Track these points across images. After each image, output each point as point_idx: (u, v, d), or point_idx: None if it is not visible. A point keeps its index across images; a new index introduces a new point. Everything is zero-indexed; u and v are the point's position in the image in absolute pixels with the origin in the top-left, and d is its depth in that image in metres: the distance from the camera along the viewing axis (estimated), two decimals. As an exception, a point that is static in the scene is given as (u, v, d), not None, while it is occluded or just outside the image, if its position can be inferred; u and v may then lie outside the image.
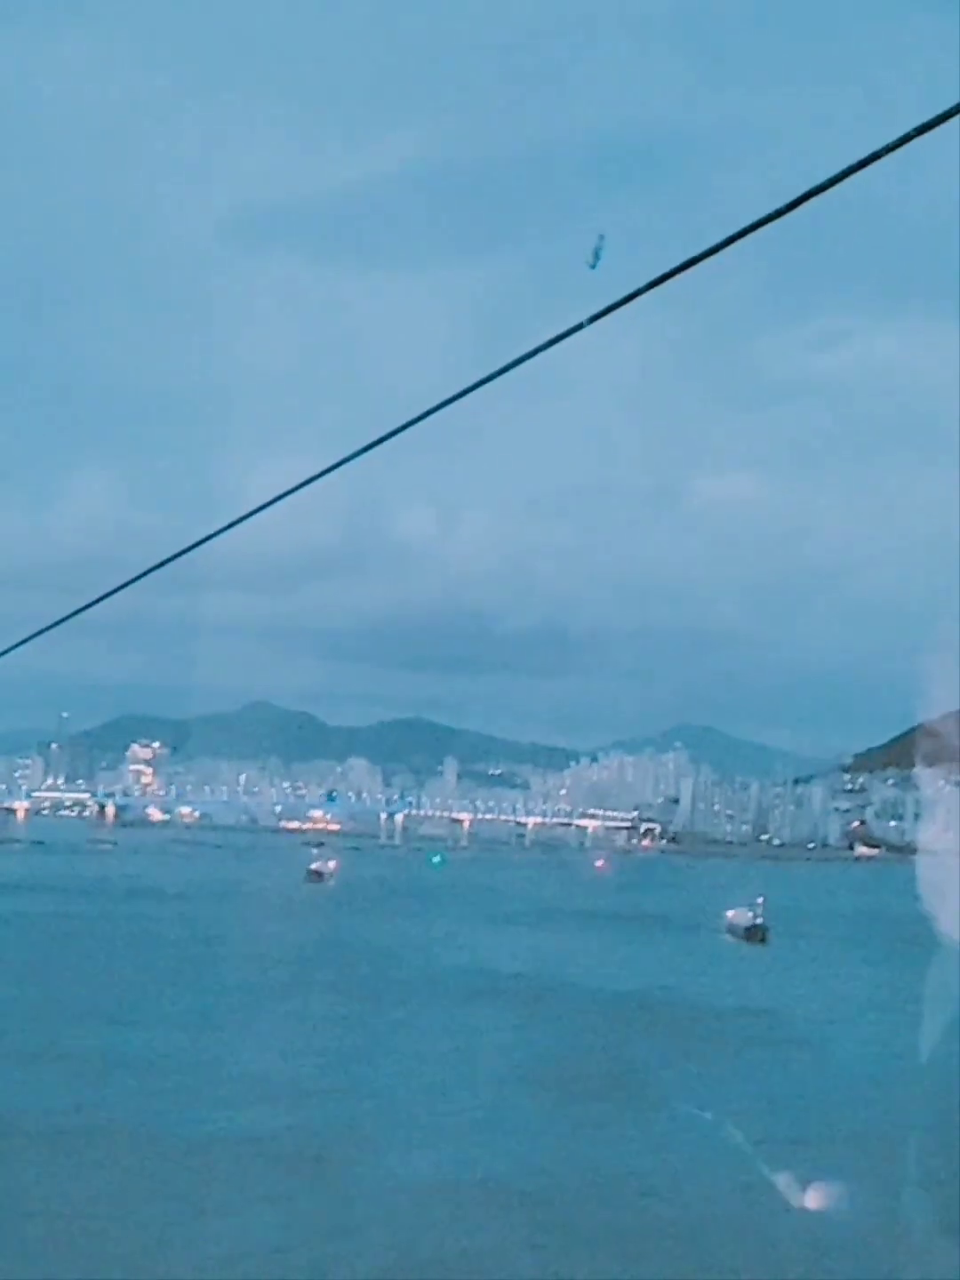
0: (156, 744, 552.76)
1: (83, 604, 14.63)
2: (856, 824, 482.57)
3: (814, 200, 8.74)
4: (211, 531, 12.78)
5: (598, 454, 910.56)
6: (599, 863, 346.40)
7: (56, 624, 15.22)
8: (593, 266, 9.64)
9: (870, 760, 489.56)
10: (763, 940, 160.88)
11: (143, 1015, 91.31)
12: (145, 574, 13.85)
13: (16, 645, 16.25)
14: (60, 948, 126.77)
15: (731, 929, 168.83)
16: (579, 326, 10.36)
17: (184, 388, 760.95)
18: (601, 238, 9.55)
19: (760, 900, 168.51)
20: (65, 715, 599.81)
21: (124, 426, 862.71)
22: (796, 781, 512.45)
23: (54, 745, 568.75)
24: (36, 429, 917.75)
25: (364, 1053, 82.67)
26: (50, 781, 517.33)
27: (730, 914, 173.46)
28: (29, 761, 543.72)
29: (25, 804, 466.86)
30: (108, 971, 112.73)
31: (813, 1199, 49.17)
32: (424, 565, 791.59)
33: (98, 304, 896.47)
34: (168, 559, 13.24)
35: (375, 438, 10.95)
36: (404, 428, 11.06)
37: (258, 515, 11.60)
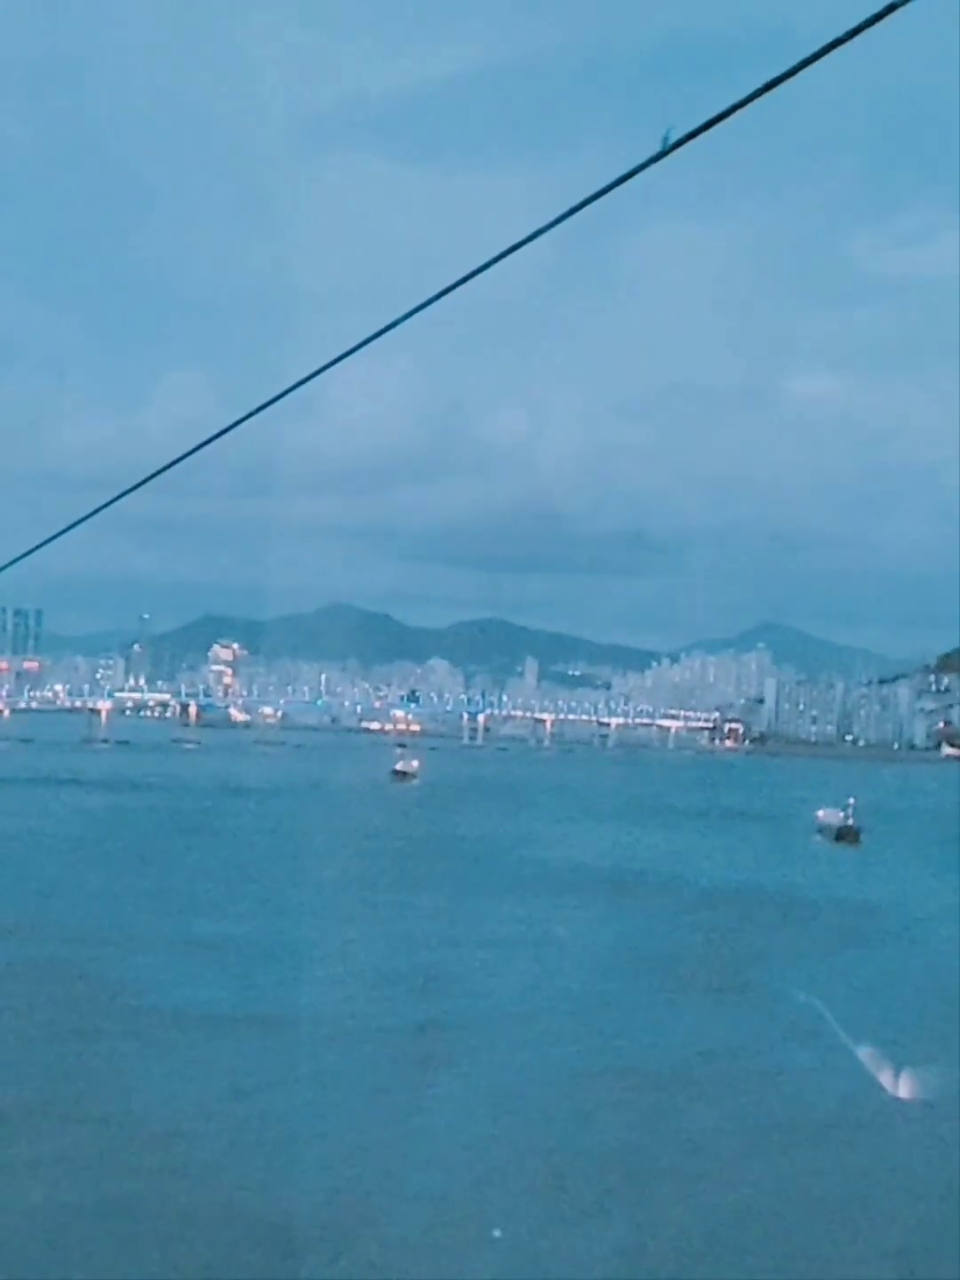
0: (237, 645, 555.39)
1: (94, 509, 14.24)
2: (942, 725, 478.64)
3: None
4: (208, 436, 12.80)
5: (685, 354, 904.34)
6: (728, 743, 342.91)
7: (63, 531, 14.73)
8: (657, 160, 9.25)
9: (956, 660, 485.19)
10: (855, 841, 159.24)
11: (255, 906, 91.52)
12: (149, 478, 13.65)
13: (32, 551, 15.60)
14: (157, 842, 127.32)
15: (823, 829, 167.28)
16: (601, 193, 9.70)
17: (264, 288, 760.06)
18: (670, 129, 9.15)
19: (851, 801, 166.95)
20: (146, 617, 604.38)
21: (209, 328, 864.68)
22: (881, 681, 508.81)
23: (136, 646, 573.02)
24: (125, 333, 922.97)
25: (471, 944, 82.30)
26: (132, 682, 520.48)
27: (821, 814, 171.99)
28: (111, 662, 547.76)
29: (108, 703, 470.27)
30: (209, 865, 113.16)
31: (913, 1087, 48.75)
32: (505, 466, 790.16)
33: (178, 206, 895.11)
34: (166, 465, 13.19)
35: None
36: (418, 310, 10.82)
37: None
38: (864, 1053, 52.41)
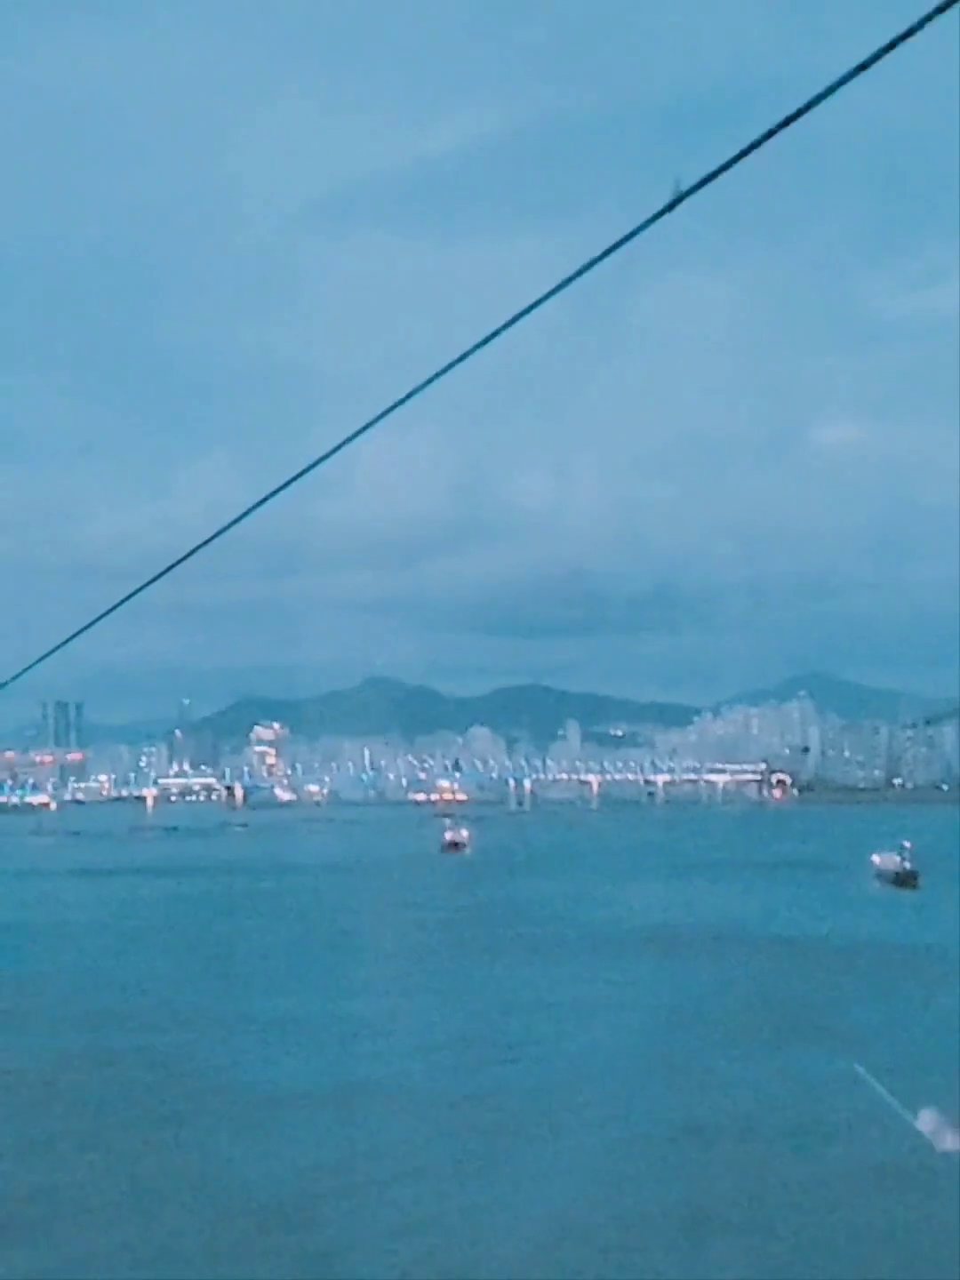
0: (278, 725, 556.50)
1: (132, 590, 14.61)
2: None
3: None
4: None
5: (704, 406, 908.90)
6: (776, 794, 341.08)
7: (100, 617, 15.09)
8: (669, 210, 9.46)
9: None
10: (914, 884, 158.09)
11: (320, 984, 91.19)
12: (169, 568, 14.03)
13: (67, 641, 15.95)
14: (218, 926, 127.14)
15: (880, 874, 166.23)
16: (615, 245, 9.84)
17: (285, 368, 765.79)
18: (679, 181, 9.37)
19: (907, 845, 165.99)
20: (186, 702, 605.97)
21: (233, 411, 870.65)
22: (927, 723, 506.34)
23: (177, 732, 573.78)
24: (151, 422, 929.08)
25: (536, 1009, 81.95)
26: (175, 768, 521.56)
27: (877, 859, 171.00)
28: (153, 750, 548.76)
29: (154, 790, 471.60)
30: (271, 945, 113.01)
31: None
32: (533, 531, 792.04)
33: (198, 292, 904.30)
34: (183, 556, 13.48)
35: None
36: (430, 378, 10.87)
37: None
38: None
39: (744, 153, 9.22)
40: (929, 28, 8.17)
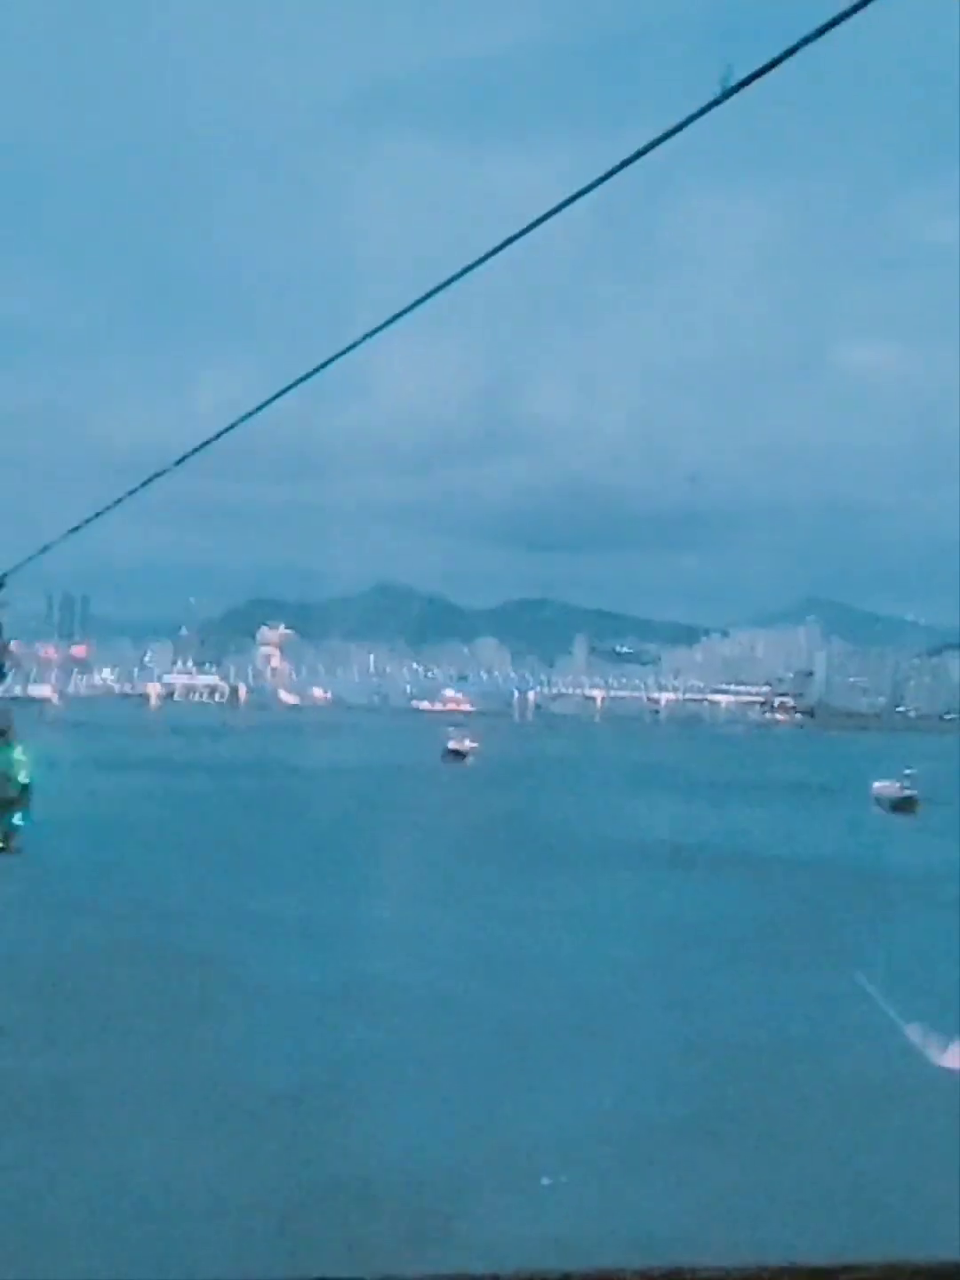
0: (284, 626, 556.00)
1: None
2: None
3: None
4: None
5: (730, 326, 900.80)
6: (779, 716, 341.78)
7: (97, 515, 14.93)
8: (722, 97, 9.00)
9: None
10: (912, 810, 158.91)
11: (328, 884, 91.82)
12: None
13: (76, 529, 15.79)
14: (224, 824, 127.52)
15: (879, 800, 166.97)
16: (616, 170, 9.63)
17: (312, 270, 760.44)
18: (729, 67, 8.89)
19: (908, 771, 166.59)
20: (193, 601, 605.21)
21: (256, 313, 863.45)
22: (932, 652, 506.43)
23: (183, 630, 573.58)
24: (177, 318, 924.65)
25: (543, 920, 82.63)
26: (180, 666, 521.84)
27: (878, 785, 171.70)
28: (159, 646, 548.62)
29: (158, 687, 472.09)
30: (277, 845, 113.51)
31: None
32: (554, 444, 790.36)
33: (227, 189, 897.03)
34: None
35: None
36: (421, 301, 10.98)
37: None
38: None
39: (793, 49, 8.71)
40: None
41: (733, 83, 9.03)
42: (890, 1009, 54.69)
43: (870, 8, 8.39)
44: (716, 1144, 44.34)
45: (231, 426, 13.81)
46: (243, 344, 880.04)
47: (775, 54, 8.82)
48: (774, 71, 8.80)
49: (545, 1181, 39.78)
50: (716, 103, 9.09)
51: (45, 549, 17.82)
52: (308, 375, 12.70)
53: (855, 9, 8.56)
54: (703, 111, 9.30)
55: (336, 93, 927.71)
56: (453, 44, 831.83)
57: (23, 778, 21.59)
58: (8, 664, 21.56)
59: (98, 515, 16.22)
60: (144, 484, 15.25)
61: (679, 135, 9.47)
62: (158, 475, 14.94)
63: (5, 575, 18.79)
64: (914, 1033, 51.67)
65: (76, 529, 16.76)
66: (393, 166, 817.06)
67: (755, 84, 8.95)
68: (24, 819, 22.19)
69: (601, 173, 9.95)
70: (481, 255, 10.74)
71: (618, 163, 9.82)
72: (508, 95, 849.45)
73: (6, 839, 21.62)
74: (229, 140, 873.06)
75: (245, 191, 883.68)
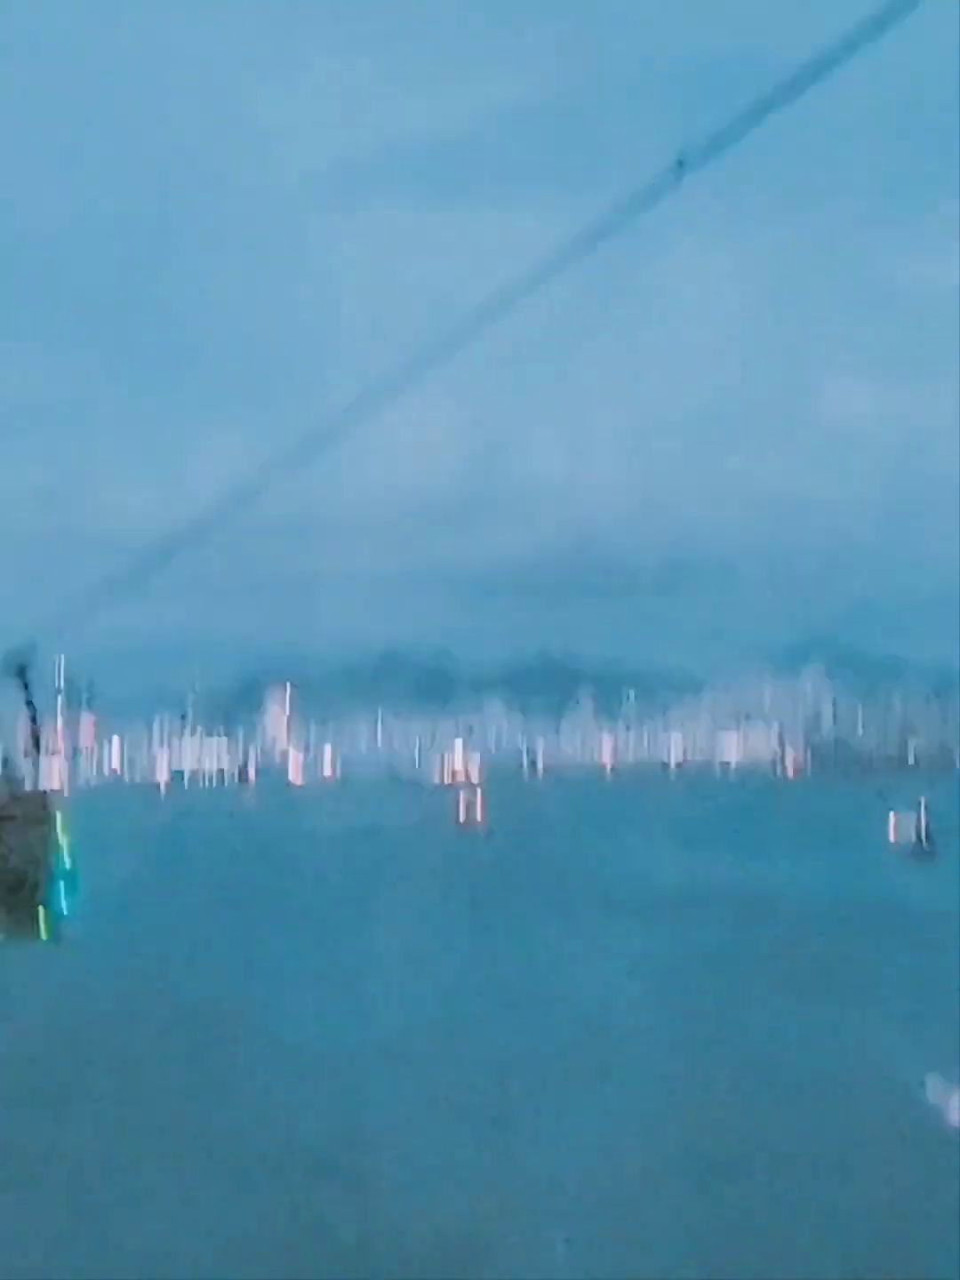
0: (291, 698, 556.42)
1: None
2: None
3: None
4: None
5: (717, 374, 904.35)
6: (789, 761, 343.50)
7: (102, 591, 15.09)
8: (677, 180, 9.67)
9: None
10: (931, 850, 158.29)
11: (347, 943, 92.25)
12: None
13: (79, 610, 15.91)
14: (235, 891, 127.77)
15: (896, 839, 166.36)
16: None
17: (298, 339, 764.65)
18: (684, 152, 9.52)
19: (922, 800, 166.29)
20: (197, 674, 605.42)
21: (245, 383, 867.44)
22: (939, 694, 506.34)
23: (188, 704, 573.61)
24: (162, 393, 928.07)
25: (558, 966, 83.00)
26: (187, 741, 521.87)
27: (893, 823, 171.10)
28: (163, 721, 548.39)
29: (164, 761, 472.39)
30: (298, 908, 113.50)
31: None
32: (549, 502, 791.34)
33: (213, 261, 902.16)
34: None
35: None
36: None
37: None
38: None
39: (743, 127, 9.21)
40: None
41: (685, 160, 9.41)
42: (897, 1050, 54.79)
43: (832, 65, 8.53)
44: (734, 1182, 44.13)
45: (236, 501, 13.99)
46: (232, 415, 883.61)
47: (737, 113, 9.04)
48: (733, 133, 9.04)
49: (563, 1242, 39.55)
50: (671, 180, 9.47)
51: (47, 634, 18.20)
52: (310, 444, 12.86)
53: (804, 83, 8.71)
54: (658, 189, 9.74)
55: (317, 162, 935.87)
56: (431, 113, 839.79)
57: (66, 862, 19.97)
58: (42, 741, 21.18)
59: (105, 597, 16.38)
60: (151, 564, 15.41)
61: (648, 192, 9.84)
62: (166, 556, 15.11)
63: (30, 647, 18.68)
64: (928, 1078, 51.61)
65: (83, 612, 16.94)
66: (373, 233, 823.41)
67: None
68: (69, 906, 21.06)
69: (574, 247, 10.37)
70: (468, 324, 11.02)
71: (584, 240, 10.35)
72: (486, 159, 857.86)
73: (49, 927, 19.97)
74: (212, 212, 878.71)
75: (229, 263, 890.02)
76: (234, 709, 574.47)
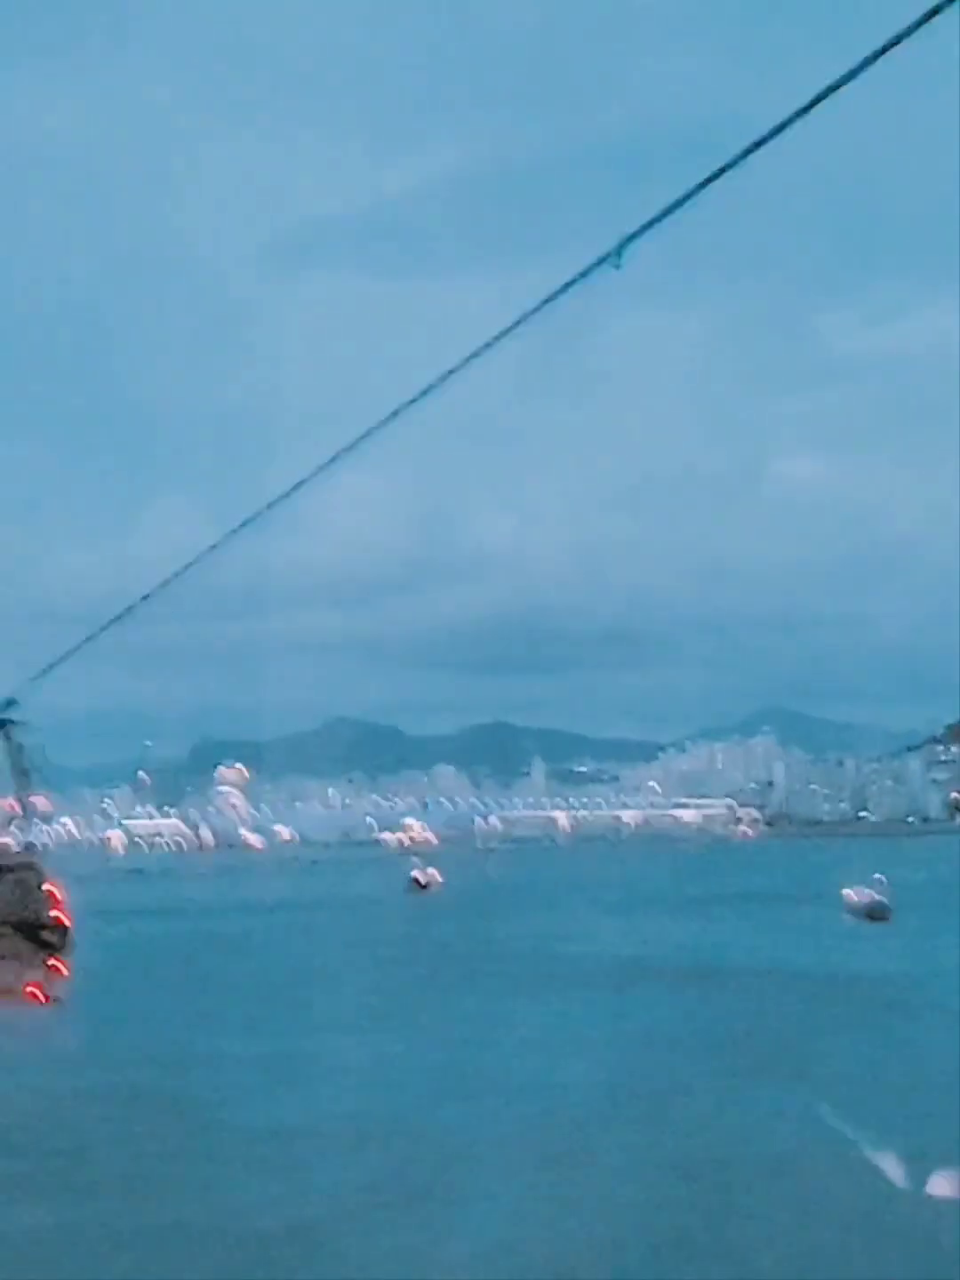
0: (241, 766, 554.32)
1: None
2: (956, 794, 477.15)
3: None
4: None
5: (666, 444, 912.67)
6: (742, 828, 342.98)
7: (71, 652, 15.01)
8: (617, 267, 9.90)
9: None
10: (885, 918, 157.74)
11: (300, 1021, 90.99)
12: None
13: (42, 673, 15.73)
14: (195, 964, 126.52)
15: (851, 908, 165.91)
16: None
17: (244, 408, 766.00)
18: (623, 239, 9.78)
19: (879, 877, 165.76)
20: (148, 744, 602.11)
21: (193, 453, 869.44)
22: (891, 756, 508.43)
23: (141, 774, 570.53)
24: (112, 464, 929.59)
25: (510, 1044, 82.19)
26: (140, 810, 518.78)
27: (848, 892, 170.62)
28: (117, 792, 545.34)
29: (119, 833, 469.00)
30: (249, 983, 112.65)
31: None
32: (496, 570, 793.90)
33: (157, 336, 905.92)
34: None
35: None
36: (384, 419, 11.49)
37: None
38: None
39: (678, 203, 9.39)
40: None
41: (625, 240, 9.56)
42: (851, 1130, 54.52)
43: (769, 138, 8.64)
44: (695, 1266, 43.86)
45: (184, 570, 13.82)
46: (183, 488, 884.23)
47: (676, 181, 9.15)
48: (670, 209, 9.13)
49: None
50: (611, 258, 9.59)
51: (40, 674, 17.84)
52: (257, 515, 12.83)
53: (737, 161, 8.84)
54: (597, 265, 9.93)
55: (262, 237, 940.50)
56: (373, 184, 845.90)
57: (61, 919, 19.86)
58: (32, 804, 20.60)
59: (54, 666, 16.16)
60: (100, 630, 15.17)
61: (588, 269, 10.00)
62: (115, 621, 14.88)
63: (11, 703, 18.33)
64: (883, 1158, 51.32)
65: (32, 679, 16.66)
66: (321, 305, 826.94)
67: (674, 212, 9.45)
68: (64, 967, 20.18)
69: (523, 313, 10.48)
70: (419, 393, 11.08)
71: (527, 312, 10.47)
72: (428, 228, 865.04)
73: (44, 988, 19.75)
74: (157, 290, 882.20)
75: (176, 340, 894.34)
76: (188, 772, 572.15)
